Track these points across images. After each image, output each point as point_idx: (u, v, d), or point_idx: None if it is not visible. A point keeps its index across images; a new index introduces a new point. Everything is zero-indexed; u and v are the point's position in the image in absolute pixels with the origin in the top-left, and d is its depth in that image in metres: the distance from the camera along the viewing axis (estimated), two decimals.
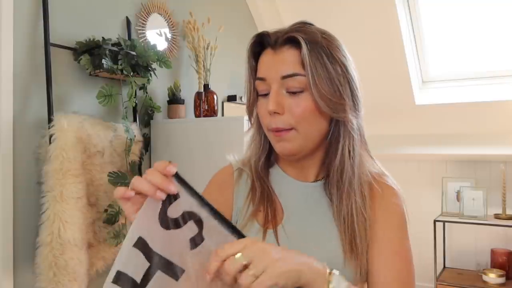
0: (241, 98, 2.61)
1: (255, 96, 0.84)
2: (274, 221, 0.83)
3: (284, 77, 0.78)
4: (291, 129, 0.78)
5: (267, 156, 0.88)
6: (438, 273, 2.72)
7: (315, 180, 0.86)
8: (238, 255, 0.57)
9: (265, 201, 0.85)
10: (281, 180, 0.87)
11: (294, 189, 0.86)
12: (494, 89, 2.71)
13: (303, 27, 0.80)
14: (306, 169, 0.86)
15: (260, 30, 2.91)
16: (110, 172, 1.74)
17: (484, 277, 2.56)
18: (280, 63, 0.78)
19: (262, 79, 0.80)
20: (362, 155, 0.84)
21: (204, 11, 2.40)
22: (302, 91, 0.77)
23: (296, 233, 0.81)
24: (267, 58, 0.81)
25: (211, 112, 2.21)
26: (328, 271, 0.64)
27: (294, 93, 0.78)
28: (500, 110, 2.63)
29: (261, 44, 0.83)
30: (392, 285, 0.77)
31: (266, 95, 0.81)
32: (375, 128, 3.03)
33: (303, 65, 0.77)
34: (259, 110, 0.83)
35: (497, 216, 2.63)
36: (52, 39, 1.67)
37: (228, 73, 2.59)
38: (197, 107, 2.20)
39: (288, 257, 0.61)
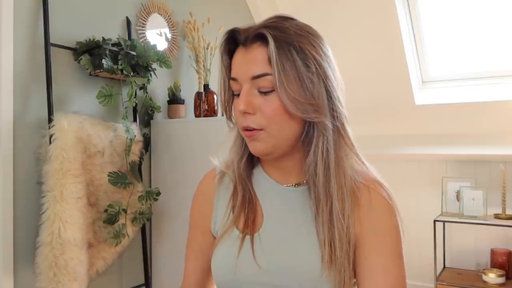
0: None
1: (230, 95, 0.81)
2: (253, 227, 0.81)
3: (254, 78, 0.74)
4: (261, 129, 0.75)
5: (249, 156, 0.85)
6: (438, 273, 2.72)
7: (298, 183, 0.82)
8: None
9: (246, 206, 0.82)
10: (263, 183, 0.84)
11: (275, 193, 0.82)
12: (494, 89, 2.71)
13: (275, 22, 0.76)
14: (287, 171, 0.82)
15: None
16: (110, 172, 1.74)
17: (484, 277, 2.56)
18: (250, 62, 0.75)
19: (234, 79, 0.77)
20: (342, 158, 0.77)
21: (204, 11, 2.40)
22: (273, 90, 0.74)
23: (273, 241, 0.78)
24: (238, 57, 0.77)
25: (211, 112, 2.21)
26: None
27: (265, 93, 0.74)
28: (500, 110, 2.63)
29: (234, 41, 0.79)
30: None
31: (239, 95, 0.78)
32: (375, 128, 3.03)
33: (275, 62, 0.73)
34: (234, 110, 0.80)
35: (497, 216, 2.64)
36: (52, 39, 1.67)
37: None
38: (197, 107, 2.21)
39: None
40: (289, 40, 0.73)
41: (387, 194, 0.80)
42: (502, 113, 2.64)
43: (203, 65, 2.23)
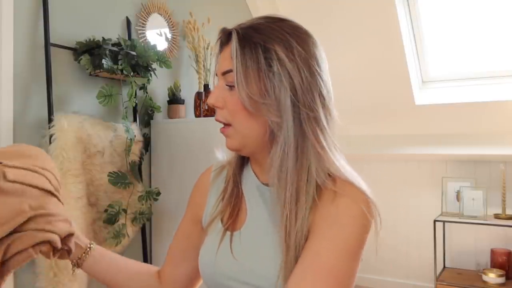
0: None
1: None
2: (236, 223, 0.82)
3: (223, 73, 0.77)
4: (229, 125, 0.77)
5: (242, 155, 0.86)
6: (438, 273, 2.72)
7: None
8: None
9: (232, 200, 0.84)
10: (250, 181, 0.85)
11: (258, 191, 0.82)
12: (494, 89, 2.71)
13: (254, 21, 0.76)
14: (266, 168, 0.78)
15: None
16: (110, 172, 1.74)
17: (484, 277, 2.57)
18: (223, 59, 0.78)
19: (216, 75, 0.81)
20: (303, 162, 0.73)
21: (204, 11, 2.40)
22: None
23: (251, 241, 0.78)
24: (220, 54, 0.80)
25: (211, 112, 2.21)
26: None
27: (230, 87, 0.76)
28: (500, 110, 2.64)
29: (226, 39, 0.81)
30: None
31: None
32: (375, 128, 3.04)
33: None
34: None
35: (497, 216, 2.64)
36: (52, 39, 1.67)
37: None
38: (197, 107, 2.21)
39: None
40: (257, 40, 0.73)
41: (360, 204, 0.71)
42: (502, 113, 2.64)
43: (203, 65, 2.23)
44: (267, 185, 0.81)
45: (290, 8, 2.76)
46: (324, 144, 0.74)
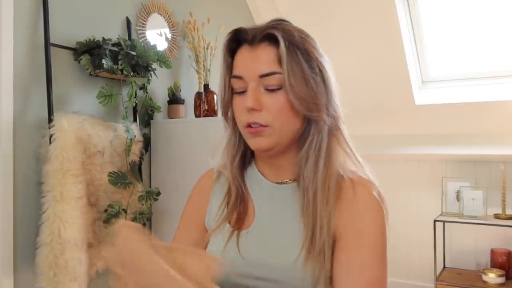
0: None
1: (230, 94, 0.84)
2: (244, 224, 0.84)
3: (262, 76, 0.78)
4: (266, 126, 0.78)
5: (243, 156, 0.88)
6: (438, 273, 2.72)
7: (288, 180, 0.85)
8: None
9: (238, 204, 0.85)
10: (256, 182, 0.87)
11: (267, 191, 0.85)
12: (494, 89, 2.71)
13: (280, 24, 0.79)
14: (281, 169, 0.85)
15: None
16: (110, 172, 1.74)
17: (484, 277, 2.57)
18: (258, 61, 0.78)
19: (239, 77, 0.80)
20: (332, 155, 0.81)
21: (204, 11, 2.40)
22: (280, 88, 0.78)
23: (261, 237, 0.81)
24: (244, 55, 0.80)
25: (211, 112, 2.21)
26: None
27: (271, 90, 0.78)
28: (499, 110, 2.64)
29: (237, 40, 0.82)
30: None
31: (242, 92, 0.80)
32: (375, 128, 3.03)
33: (280, 63, 0.77)
34: (235, 108, 0.83)
35: (497, 216, 2.64)
36: (52, 39, 1.67)
37: None
38: (197, 107, 2.21)
39: None
40: (295, 42, 0.77)
41: (374, 192, 0.80)
42: (502, 113, 2.64)
43: (203, 65, 2.23)
44: (277, 183, 0.85)
45: (290, 8, 2.75)
46: (347, 139, 0.83)
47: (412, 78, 2.78)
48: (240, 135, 0.86)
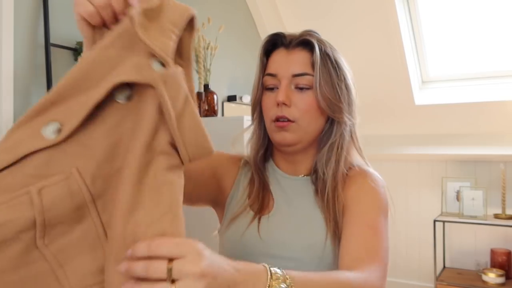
0: (241, 98, 2.61)
1: (261, 91, 0.92)
2: (264, 211, 0.91)
3: (295, 76, 0.87)
4: (293, 121, 0.86)
5: (265, 151, 0.96)
6: (438, 273, 2.73)
7: (305, 175, 0.93)
8: (169, 266, 0.47)
9: (260, 192, 0.92)
10: (274, 175, 0.95)
11: (285, 183, 0.93)
12: (493, 89, 2.71)
13: (315, 34, 0.91)
14: (298, 164, 0.93)
15: (260, 30, 2.92)
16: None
17: (484, 277, 2.57)
18: (293, 62, 0.88)
19: (273, 75, 0.89)
20: (350, 154, 0.91)
21: (204, 11, 2.40)
22: (309, 88, 0.87)
23: (281, 221, 0.89)
24: (280, 56, 0.90)
25: (211, 112, 2.21)
26: (269, 273, 0.57)
27: (301, 89, 0.87)
28: (499, 110, 2.64)
29: (273, 43, 0.92)
30: (360, 252, 0.78)
31: (272, 89, 0.89)
32: (374, 128, 3.04)
33: (312, 66, 0.87)
34: (264, 103, 0.90)
35: (496, 216, 2.64)
36: (52, 40, 1.67)
37: (228, 73, 2.59)
38: (197, 107, 2.21)
39: (219, 270, 0.50)
40: (327, 51, 0.89)
41: (377, 180, 0.90)
42: (502, 113, 2.64)
43: (203, 65, 2.23)
44: (291, 176, 0.93)
45: (290, 8, 2.76)
46: (359, 147, 0.93)
47: (412, 78, 2.78)
48: (265, 131, 0.94)
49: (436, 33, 2.78)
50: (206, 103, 2.21)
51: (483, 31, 2.68)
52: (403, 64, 2.72)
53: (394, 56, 2.70)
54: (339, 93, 0.88)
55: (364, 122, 0.95)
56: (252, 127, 0.97)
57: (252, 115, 0.96)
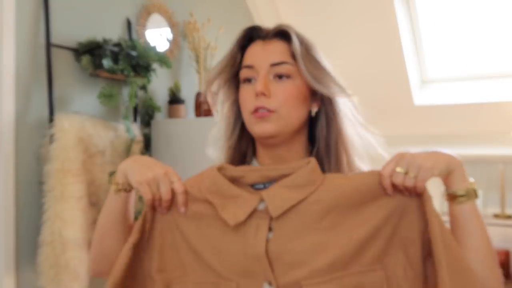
0: None
1: (228, 82, 0.90)
2: None
3: (273, 65, 0.84)
4: (273, 111, 0.83)
5: (244, 156, 0.93)
6: None
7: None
8: (398, 169, 0.72)
9: None
10: None
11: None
12: (493, 89, 2.72)
13: (290, 27, 0.88)
14: (282, 161, 0.88)
15: None
16: (111, 172, 1.74)
17: None
18: (270, 52, 0.85)
19: (250, 66, 0.86)
20: (350, 154, 0.90)
21: (204, 11, 2.40)
22: (289, 77, 0.84)
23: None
24: (257, 48, 0.87)
25: (211, 112, 2.21)
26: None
27: (280, 78, 0.84)
28: (499, 111, 2.64)
29: (249, 38, 0.89)
30: None
31: (249, 81, 0.86)
32: (374, 128, 3.04)
33: (291, 55, 0.84)
34: (242, 96, 0.87)
35: (495, 216, 2.65)
36: (53, 40, 1.68)
37: None
38: (197, 107, 2.21)
39: (432, 154, 0.75)
40: (305, 42, 0.86)
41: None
42: (502, 113, 2.64)
43: (203, 65, 2.24)
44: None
45: (289, 9, 2.76)
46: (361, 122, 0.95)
47: (411, 79, 2.79)
48: (243, 132, 0.91)
49: (436, 33, 2.78)
50: (206, 103, 2.22)
51: (483, 32, 2.68)
52: (402, 65, 2.72)
53: (393, 56, 2.70)
54: (327, 71, 0.86)
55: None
56: (222, 127, 0.96)
57: (207, 90, 0.94)
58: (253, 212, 0.75)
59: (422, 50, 2.83)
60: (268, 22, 3.14)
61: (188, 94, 2.29)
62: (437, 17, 2.74)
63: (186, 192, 0.82)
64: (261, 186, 0.78)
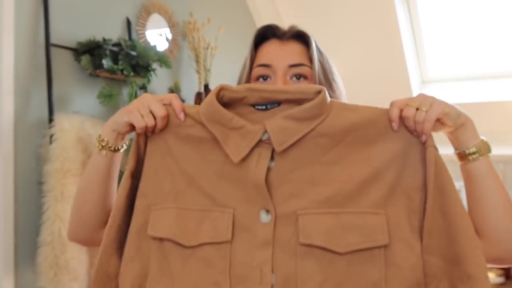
0: None
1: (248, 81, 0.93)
2: None
3: (292, 66, 0.88)
4: None
5: None
6: None
7: None
8: (410, 103, 0.72)
9: None
10: None
11: None
12: (494, 89, 2.71)
13: (304, 31, 0.93)
14: None
15: None
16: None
17: None
18: (288, 53, 0.89)
19: (267, 65, 0.89)
20: None
21: (204, 11, 2.40)
22: (306, 78, 0.89)
23: None
24: (273, 47, 0.90)
25: None
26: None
27: (298, 79, 0.89)
28: (499, 110, 2.64)
29: (263, 36, 0.93)
30: None
31: (264, 79, 0.90)
32: None
33: (308, 58, 0.89)
34: None
35: None
36: (53, 40, 1.68)
37: (228, 73, 2.59)
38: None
39: (444, 101, 0.75)
40: (319, 47, 0.92)
41: None
42: (502, 113, 2.64)
43: (203, 65, 2.24)
44: None
45: (290, 9, 2.76)
46: None
47: (411, 78, 2.78)
48: None
49: (436, 33, 2.78)
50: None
51: (483, 32, 2.68)
52: (402, 64, 2.72)
53: (394, 56, 2.70)
54: (332, 81, 0.91)
55: None
56: None
57: None
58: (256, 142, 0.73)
59: (422, 50, 2.83)
60: (268, 22, 3.13)
61: (188, 94, 2.29)
62: (437, 17, 2.74)
63: (182, 106, 0.78)
64: (263, 107, 0.75)
